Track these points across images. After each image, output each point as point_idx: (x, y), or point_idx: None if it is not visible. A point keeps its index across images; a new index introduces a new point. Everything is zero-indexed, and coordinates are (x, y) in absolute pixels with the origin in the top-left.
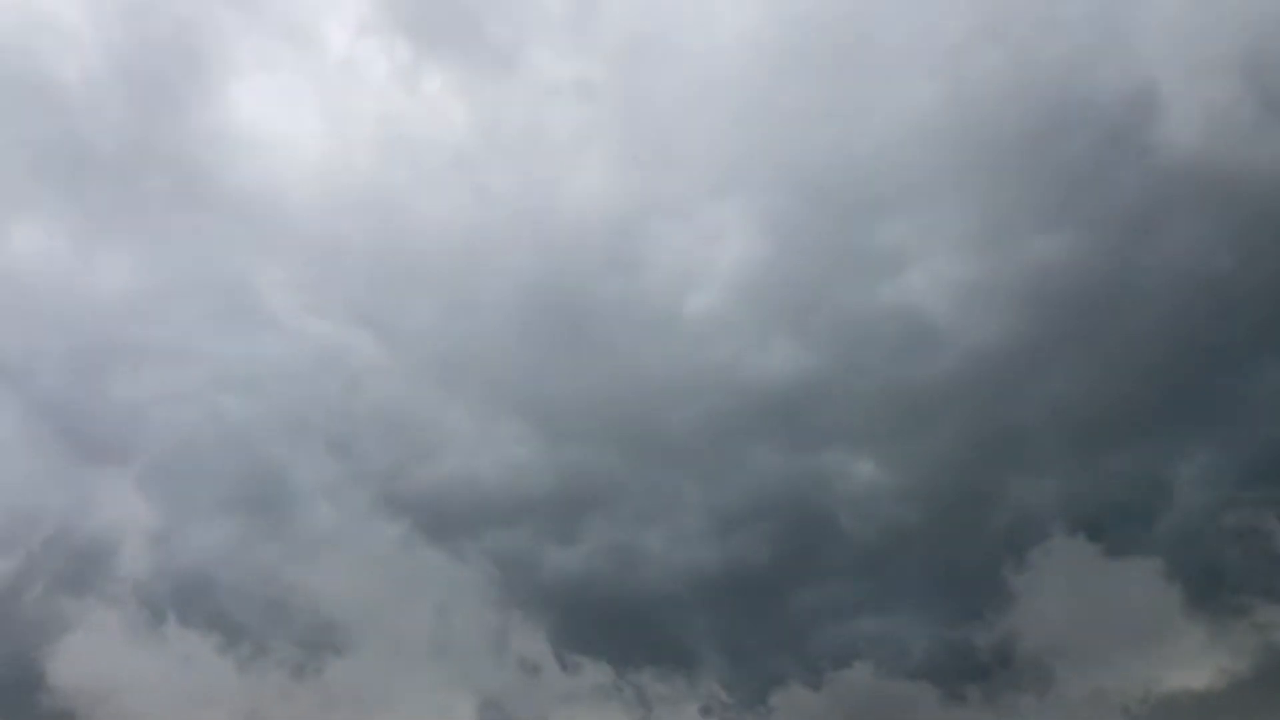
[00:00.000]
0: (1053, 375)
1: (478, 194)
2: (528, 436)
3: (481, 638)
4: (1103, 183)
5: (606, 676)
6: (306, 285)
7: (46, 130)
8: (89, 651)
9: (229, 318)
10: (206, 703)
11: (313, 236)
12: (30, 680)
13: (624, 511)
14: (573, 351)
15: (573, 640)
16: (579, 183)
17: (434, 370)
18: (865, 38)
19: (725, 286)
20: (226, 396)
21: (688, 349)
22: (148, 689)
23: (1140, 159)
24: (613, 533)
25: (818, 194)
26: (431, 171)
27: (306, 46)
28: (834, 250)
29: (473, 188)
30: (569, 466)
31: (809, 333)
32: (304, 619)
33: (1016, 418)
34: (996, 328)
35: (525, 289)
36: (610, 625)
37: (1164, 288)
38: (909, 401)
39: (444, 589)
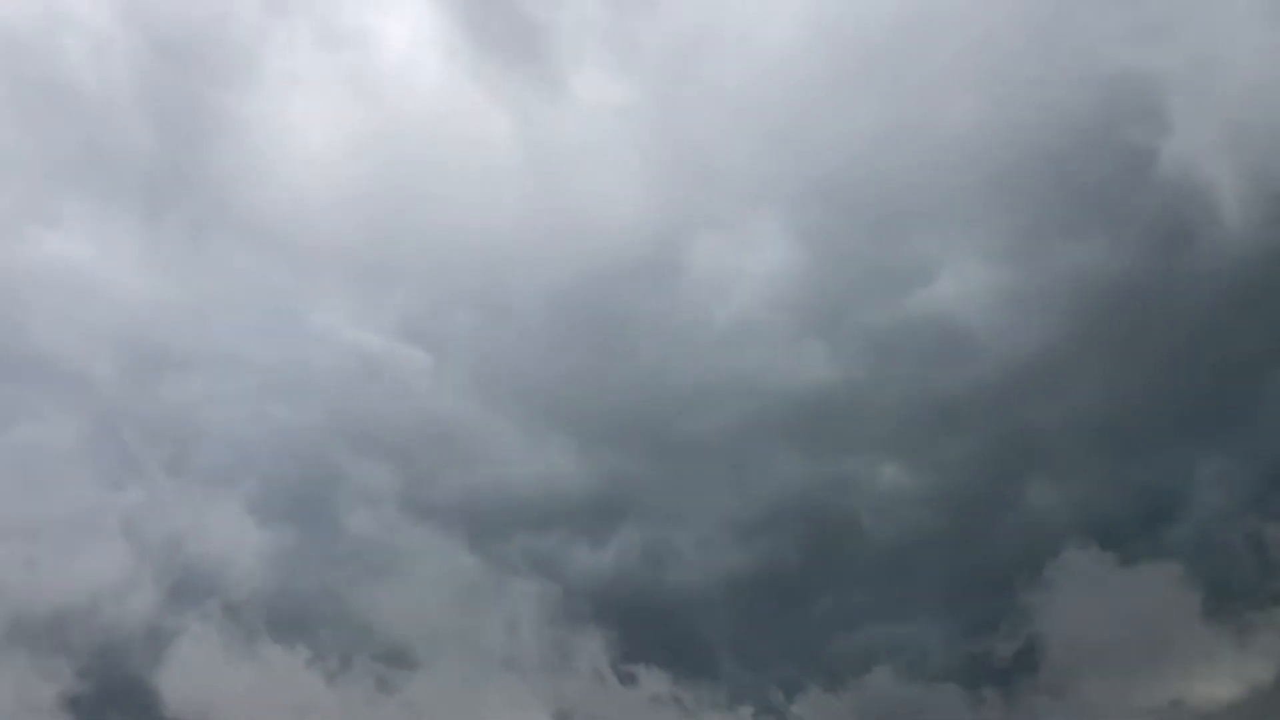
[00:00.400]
0: (1078, 383)
1: (518, 206)
2: (565, 443)
3: (543, 648)
4: (1132, 195)
5: (663, 684)
6: (348, 296)
7: (77, 136)
8: (195, 666)
9: (272, 328)
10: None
11: (354, 247)
12: (144, 695)
13: (656, 516)
14: (608, 359)
15: (624, 648)
16: (617, 195)
17: (474, 379)
18: (902, 54)
19: (758, 295)
20: (275, 406)
21: (720, 357)
22: (249, 701)
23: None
24: (645, 537)
25: (851, 205)
26: (474, 183)
27: (351, 57)
28: (866, 260)
29: (514, 200)
30: (604, 472)
31: (839, 341)
32: (367, 629)
33: (1041, 425)
34: (1024, 336)
35: (562, 299)
36: (652, 630)
37: (1188, 298)
38: (935, 409)
39: (496, 597)
